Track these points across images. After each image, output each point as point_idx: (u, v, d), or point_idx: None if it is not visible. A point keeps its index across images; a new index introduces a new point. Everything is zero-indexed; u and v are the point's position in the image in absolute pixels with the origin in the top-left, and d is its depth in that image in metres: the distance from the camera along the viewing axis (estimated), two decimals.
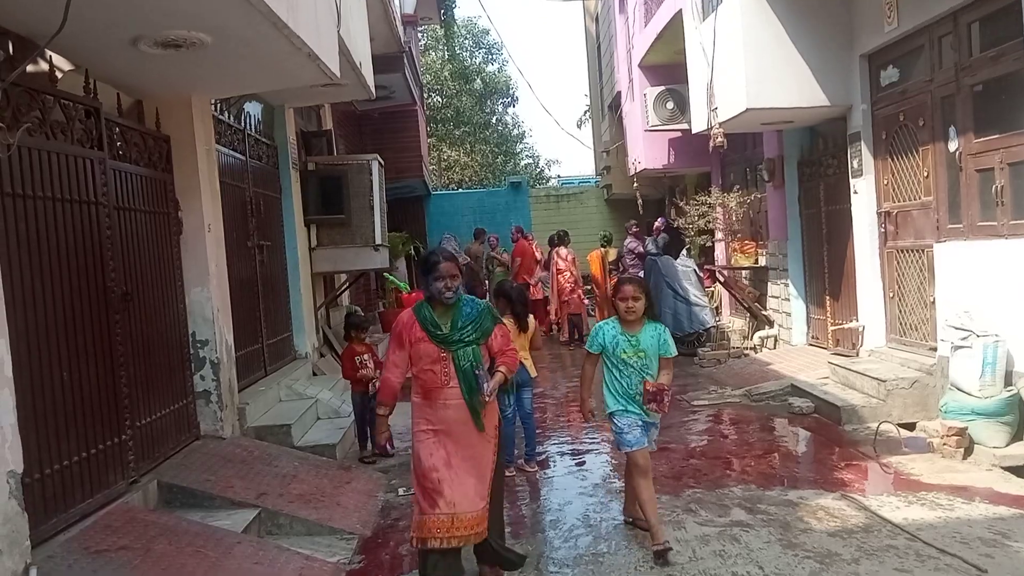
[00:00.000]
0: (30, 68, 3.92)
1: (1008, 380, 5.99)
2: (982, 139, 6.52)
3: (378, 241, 9.37)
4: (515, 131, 35.15)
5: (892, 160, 7.95)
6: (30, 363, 3.89)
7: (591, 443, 7.26)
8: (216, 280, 6.11)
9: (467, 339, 3.96)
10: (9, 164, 3.79)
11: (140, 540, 4.13)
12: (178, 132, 5.88)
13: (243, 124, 7.48)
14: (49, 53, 4.40)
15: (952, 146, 6.89)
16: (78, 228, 4.48)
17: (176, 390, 5.68)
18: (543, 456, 6.68)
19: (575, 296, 13.33)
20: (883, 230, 8.15)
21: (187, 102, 5.89)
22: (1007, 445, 5.83)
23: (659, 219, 13.84)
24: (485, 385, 3.91)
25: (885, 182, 8.10)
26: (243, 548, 4.36)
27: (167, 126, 5.82)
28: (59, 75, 4.52)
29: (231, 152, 7.09)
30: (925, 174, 7.35)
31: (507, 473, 6.00)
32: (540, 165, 36.27)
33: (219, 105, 6.83)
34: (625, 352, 4.50)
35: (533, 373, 6.45)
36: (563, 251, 13.76)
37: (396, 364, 4.03)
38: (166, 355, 5.57)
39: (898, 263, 7.97)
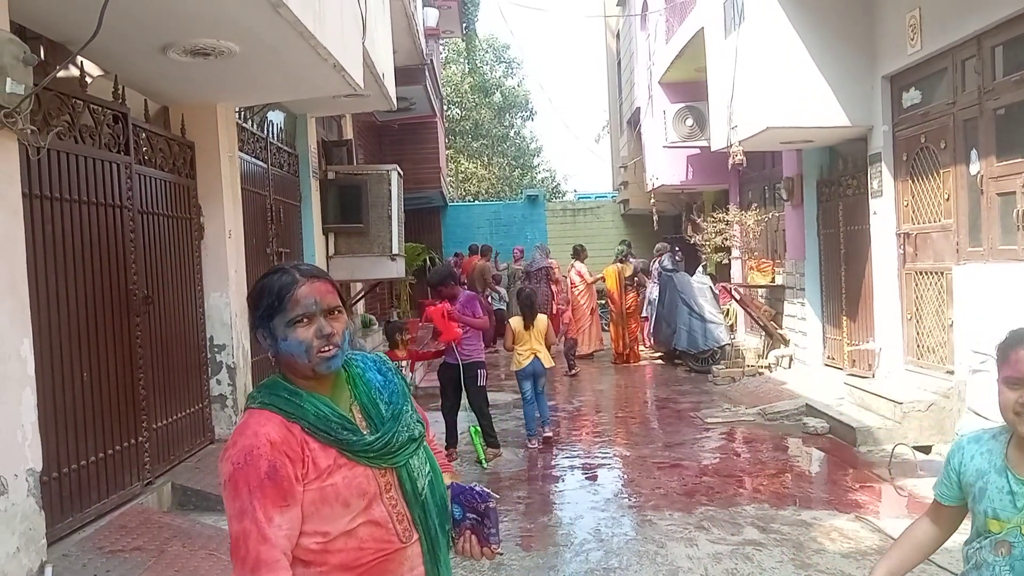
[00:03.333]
0: (61, 73, 3.99)
1: None
2: (1004, 163, 6.48)
3: (395, 251, 9.41)
4: (532, 145, 35.31)
5: (912, 182, 7.92)
6: (52, 363, 3.95)
7: (603, 458, 7.25)
8: (235, 286, 6.16)
9: (415, 433, 1.91)
10: (38, 167, 3.86)
11: (154, 541, 4.17)
12: (203, 139, 5.95)
13: (266, 132, 7.56)
14: (80, 58, 4.47)
15: (974, 169, 6.86)
16: (103, 231, 4.54)
17: (193, 394, 5.73)
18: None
19: (565, 318, 12.44)
20: (902, 251, 8.11)
21: (212, 109, 5.96)
22: None
23: (659, 243, 13.84)
24: (492, 527, 1.93)
25: (905, 203, 8.07)
26: None
27: (192, 132, 5.90)
28: (89, 80, 4.60)
29: (253, 160, 7.16)
30: (946, 196, 7.31)
31: (530, 445, 7.46)
32: (557, 179, 36.40)
33: (243, 113, 6.91)
34: (1002, 518, 2.02)
35: (549, 364, 7.44)
36: (579, 266, 13.78)
37: (275, 546, 1.69)
38: (184, 358, 5.63)
39: (916, 285, 7.93)
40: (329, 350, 1.79)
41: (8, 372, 3.28)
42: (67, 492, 4.03)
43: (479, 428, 6.88)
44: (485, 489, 1.94)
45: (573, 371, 12.06)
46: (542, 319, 7.37)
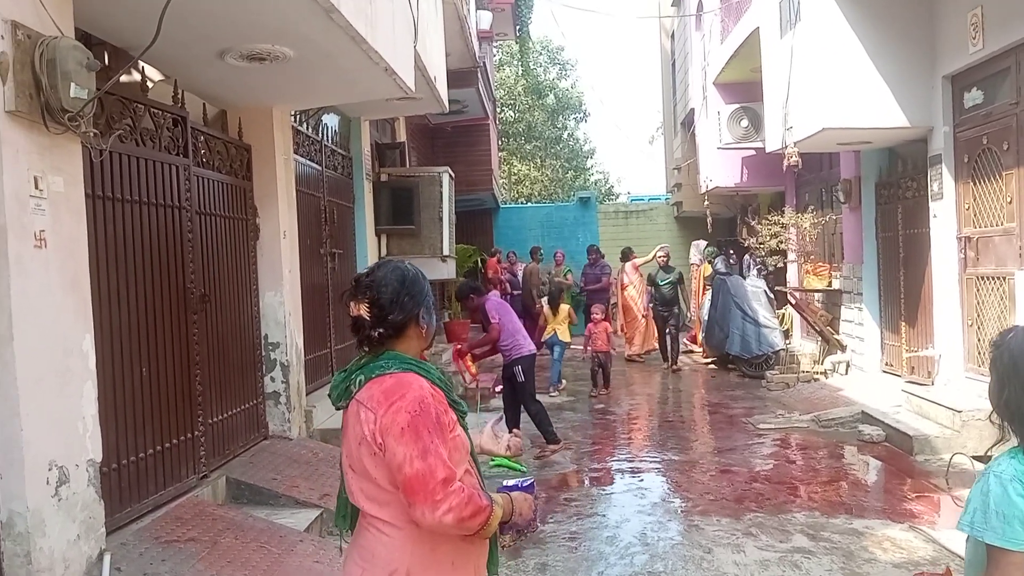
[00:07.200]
0: (124, 78, 4.13)
1: None
2: None
3: (446, 252, 9.50)
4: (586, 147, 35.21)
5: (974, 184, 7.71)
6: (112, 358, 4.08)
7: (652, 461, 7.20)
8: (289, 285, 6.29)
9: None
10: (101, 168, 4.00)
11: (208, 533, 4.28)
12: (259, 141, 6.09)
13: (320, 135, 7.70)
14: (142, 64, 4.62)
15: None
16: (161, 231, 4.69)
17: (247, 390, 5.87)
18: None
19: (599, 329, 10.57)
20: (963, 256, 7.89)
21: (268, 113, 6.10)
22: None
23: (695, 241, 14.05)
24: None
25: (966, 207, 7.85)
26: (305, 546, 4.47)
27: (248, 135, 6.04)
28: (150, 85, 4.75)
29: (308, 162, 7.30)
30: (1008, 199, 7.09)
31: (551, 392, 10.35)
32: (610, 181, 36.25)
33: (298, 116, 7.05)
34: None
35: (565, 338, 10.50)
36: (627, 266, 13.77)
37: (456, 473, 2.05)
38: (239, 356, 5.76)
39: (978, 290, 7.71)
40: None
41: (71, 366, 3.41)
42: (125, 483, 4.16)
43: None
44: (526, 483, 2.26)
45: (594, 392, 10.55)
46: (563, 308, 10.54)
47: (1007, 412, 2.00)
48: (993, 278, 7.43)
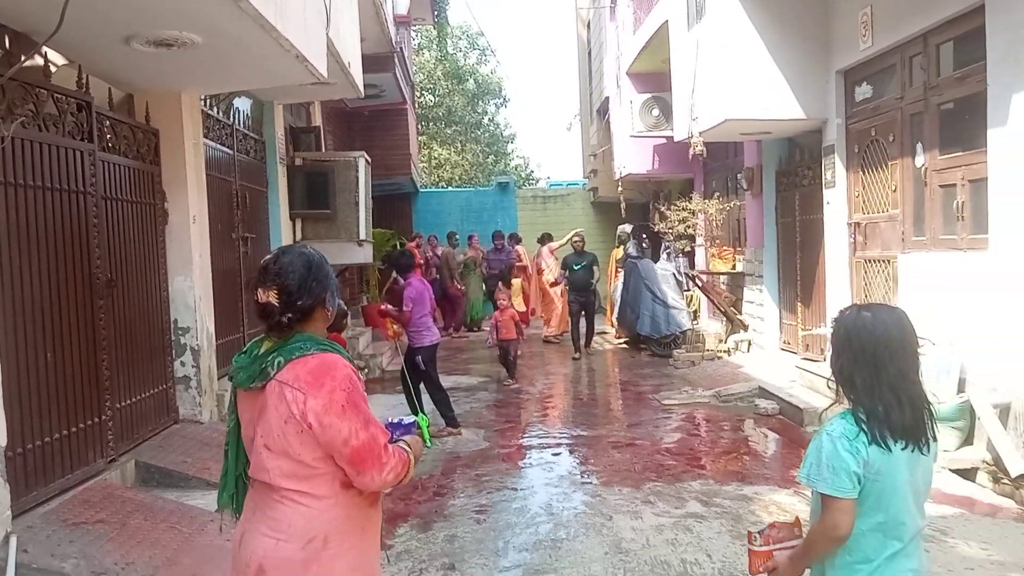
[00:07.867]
0: (26, 63, 4.10)
1: (960, 387, 6.24)
2: (946, 156, 6.75)
3: (362, 236, 9.57)
4: (506, 132, 35.40)
5: (863, 173, 8.20)
6: (16, 343, 4.08)
7: (561, 437, 7.47)
8: (199, 270, 6.29)
9: None
10: (2, 155, 3.98)
11: (117, 515, 4.33)
12: (167, 126, 6.06)
13: (232, 119, 7.66)
14: (44, 48, 4.58)
15: (919, 161, 7.13)
16: (66, 216, 4.67)
17: (156, 375, 5.87)
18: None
19: (506, 317, 10.03)
20: (852, 240, 8.39)
21: (177, 97, 6.07)
22: (957, 449, 6.07)
23: (621, 226, 14.53)
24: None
25: (856, 194, 8.35)
26: (215, 526, 4.54)
27: (156, 120, 6.01)
28: (53, 70, 4.71)
29: (219, 146, 7.27)
30: (893, 188, 7.58)
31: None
32: (531, 166, 36.56)
33: (208, 100, 7.01)
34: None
35: (520, 309, 12.19)
36: (544, 250, 14.12)
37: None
38: (148, 340, 5.76)
39: (866, 272, 8.22)
40: None
41: None
42: (31, 467, 4.17)
43: (426, 416, 7.19)
44: (408, 421, 2.54)
45: (507, 381, 10.14)
46: (515, 282, 13.58)
47: (840, 378, 2.29)
48: (879, 261, 7.94)
